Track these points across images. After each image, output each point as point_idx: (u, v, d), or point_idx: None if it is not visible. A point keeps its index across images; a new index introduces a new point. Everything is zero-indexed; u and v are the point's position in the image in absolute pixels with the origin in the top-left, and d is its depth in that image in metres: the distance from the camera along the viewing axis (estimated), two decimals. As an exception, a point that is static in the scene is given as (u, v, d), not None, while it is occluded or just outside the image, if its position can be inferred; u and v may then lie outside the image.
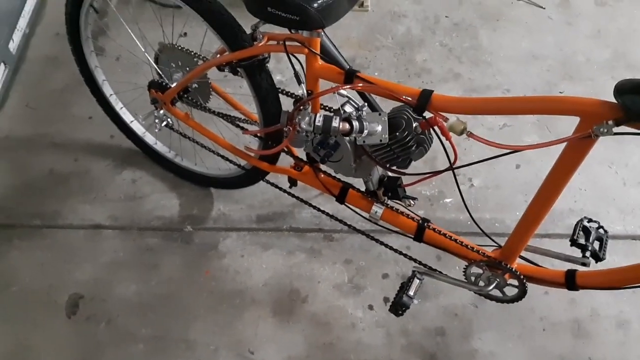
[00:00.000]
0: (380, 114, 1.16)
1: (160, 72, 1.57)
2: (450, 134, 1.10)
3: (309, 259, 1.71)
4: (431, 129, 1.16)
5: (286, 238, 1.75)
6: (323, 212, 1.58)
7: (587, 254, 1.30)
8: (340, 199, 1.47)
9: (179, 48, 1.51)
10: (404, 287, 1.37)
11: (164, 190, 1.84)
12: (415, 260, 1.48)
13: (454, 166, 1.16)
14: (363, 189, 1.44)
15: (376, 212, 1.42)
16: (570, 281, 1.27)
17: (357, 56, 2.18)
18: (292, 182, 1.58)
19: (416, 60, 2.18)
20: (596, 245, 1.32)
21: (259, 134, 1.46)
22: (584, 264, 1.29)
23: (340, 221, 1.56)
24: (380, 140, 1.14)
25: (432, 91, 1.12)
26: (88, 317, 1.60)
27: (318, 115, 1.12)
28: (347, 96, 1.24)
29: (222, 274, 1.68)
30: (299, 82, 1.15)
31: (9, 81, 2.07)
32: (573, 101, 0.98)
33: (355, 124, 1.12)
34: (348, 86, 1.14)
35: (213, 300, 1.63)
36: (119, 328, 1.59)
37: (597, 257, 1.31)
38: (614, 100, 0.92)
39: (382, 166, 1.25)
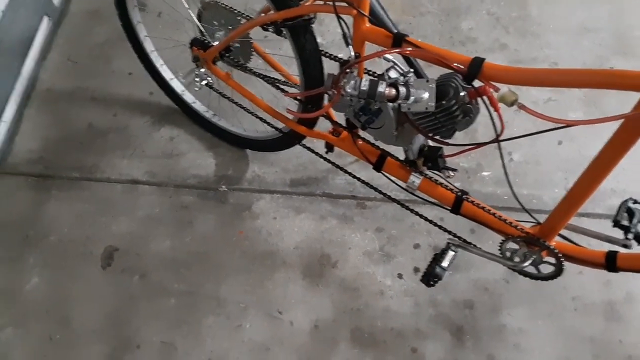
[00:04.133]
0: (427, 81, 1.12)
1: (203, 30, 1.55)
2: (500, 104, 1.06)
3: (340, 225, 1.71)
4: (479, 99, 1.13)
5: (319, 203, 1.75)
6: (358, 179, 1.56)
7: (630, 235, 1.26)
8: (378, 167, 1.45)
9: (223, 6, 1.49)
10: (437, 258, 1.36)
11: (200, 150, 1.85)
12: (449, 232, 1.46)
13: (500, 139, 1.13)
14: (401, 157, 1.42)
15: (414, 182, 1.40)
16: (610, 262, 1.24)
17: (400, 21, 2.12)
18: (329, 148, 1.56)
19: (461, 28, 2.12)
20: (640, 227, 1.28)
21: (299, 97, 1.43)
22: (625, 246, 1.26)
23: (375, 189, 1.54)
24: (426, 108, 1.11)
25: (484, 59, 1.08)
26: (122, 270, 1.64)
27: (364, 79, 1.09)
28: (392, 61, 1.21)
29: (255, 235, 1.69)
30: (347, 44, 1.12)
31: (51, 34, 2.08)
32: (636, 75, 0.93)
33: (402, 89, 1.09)
34: (396, 50, 1.10)
35: (245, 259, 1.65)
36: (152, 282, 1.62)
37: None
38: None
39: (425, 135, 1.22)
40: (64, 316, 1.57)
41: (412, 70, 1.20)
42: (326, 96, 1.26)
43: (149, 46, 1.76)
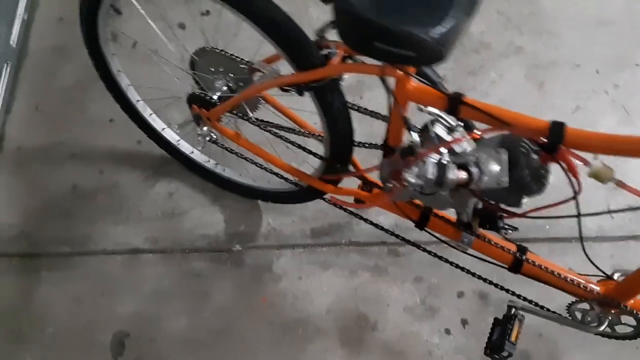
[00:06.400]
0: (497, 151, 0.95)
1: (200, 82, 1.33)
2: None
3: (374, 278, 1.54)
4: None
5: (346, 254, 1.57)
6: (384, 229, 1.38)
7: None
8: (421, 224, 1.28)
9: (221, 52, 1.27)
10: (501, 327, 1.21)
11: (205, 204, 1.64)
12: (502, 289, 1.30)
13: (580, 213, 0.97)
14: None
15: (466, 241, 1.24)
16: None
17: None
18: (360, 202, 1.38)
19: (472, 33, 1.92)
20: None
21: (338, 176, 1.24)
22: None
23: (406, 240, 1.36)
24: (498, 184, 0.94)
25: (564, 124, 0.91)
26: (137, 359, 1.44)
27: (429, 164, 0.90)
28: (437, 114, 1.03)
29: (280, 300, 1.51)
30: (409, 129, 0.93)
31: (13, 81, 1.80)
32: None
33: (474, 171, 0.91)
34: (478, 133, 0.91)
35: (273, 331, 1.47)
36: (172, 368, 1.44)
37: None
38: None
39: (492, 207, 1.06)
40: (76, 420, 1.38)
41: (461, 123, 1.03)
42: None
43: (133, 96, 1.52)
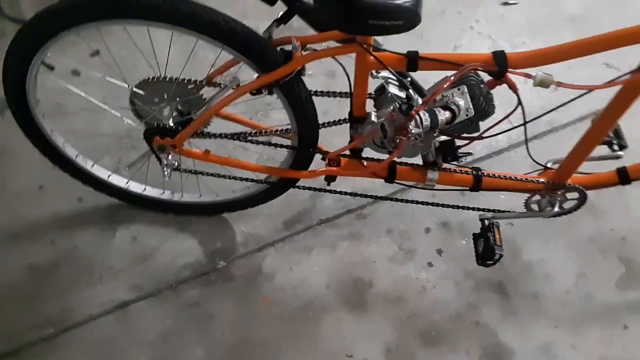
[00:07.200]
0: (458, 89, 1.12)
1: (143, 114, 1.33)
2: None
3: (353, 244, 1.67)
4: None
5: (322, 232, 1.68)
6: (344, 193, 1.53)
7: (615, 147, 1.44)
8: (390, 178, 1.43)
9: (163, 79, 1.29)
10: (483, 237, 1.42)
11: (172, 236, 1.63)
12: (464, 208, 1.52)
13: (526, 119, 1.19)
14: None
15: (432, 178, 1.41)
16: (623, 177, 1.41)
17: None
18: (330, 180, 1.49)
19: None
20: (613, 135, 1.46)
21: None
22: (617, 157, 1.44)
23: (365, 195, 1.57)
24: (467, 115, 1.12)
25: (504, 51, 1.11)
26: (171, 403, 1.42)
27: (422, 113, 1.05)
28: (389, 77, 1.20)
29: (281, 295, 1.58)
30: (406, 87, 1.06)
31: None
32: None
33: (454, 107, 1.07)
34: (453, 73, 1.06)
35: (286, 325, 1.54)
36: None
37: (622, 147, 1.46)
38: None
39: (457, 137, 1.24)
40: None
41: (408, 78, 1.20)
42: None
43: (71, 152, 1.46)
